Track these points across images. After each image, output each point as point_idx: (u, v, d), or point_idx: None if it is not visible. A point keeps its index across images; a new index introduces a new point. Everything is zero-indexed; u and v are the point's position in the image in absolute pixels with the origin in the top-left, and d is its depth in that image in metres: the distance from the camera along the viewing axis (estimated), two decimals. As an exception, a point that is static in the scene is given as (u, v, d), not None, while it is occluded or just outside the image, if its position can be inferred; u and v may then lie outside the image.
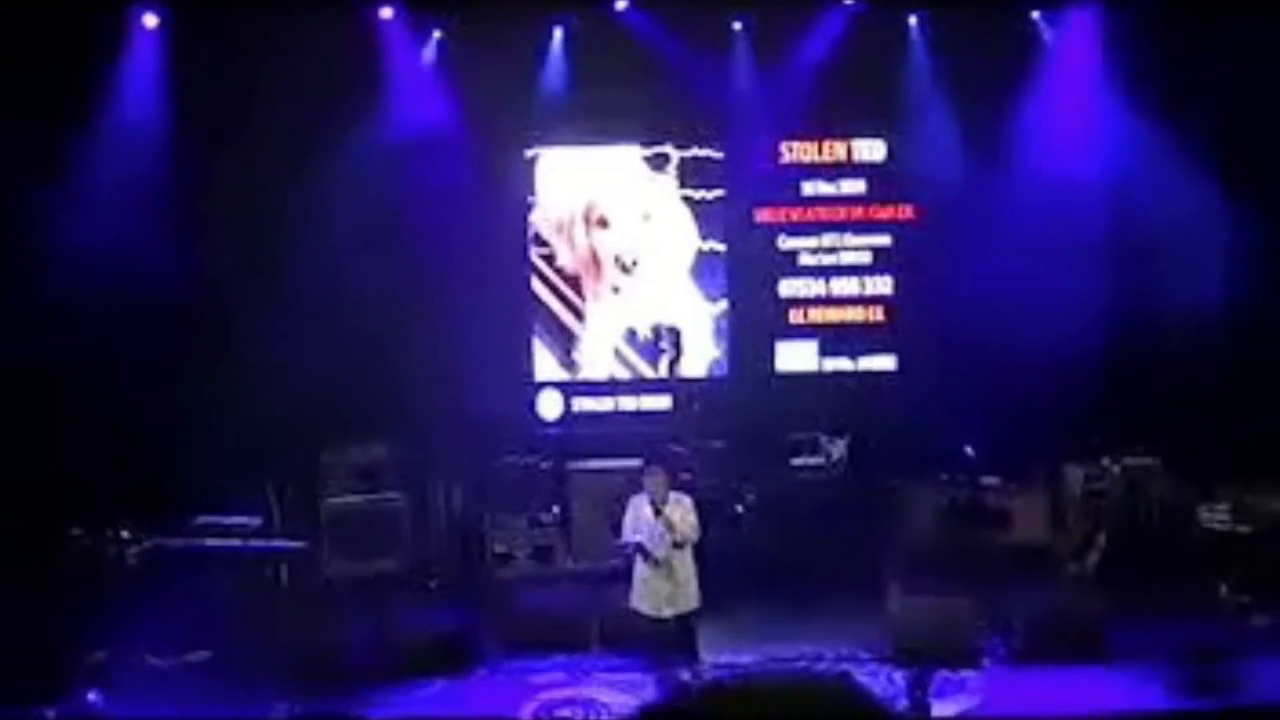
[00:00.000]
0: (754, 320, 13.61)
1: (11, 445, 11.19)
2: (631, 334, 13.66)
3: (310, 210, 12.31)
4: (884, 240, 13.48)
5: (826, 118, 13.33)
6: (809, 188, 13.51)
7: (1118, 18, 12.64)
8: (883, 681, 9.72)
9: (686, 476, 11.13)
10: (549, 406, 13.48)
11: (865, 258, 13.52)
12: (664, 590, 9.71)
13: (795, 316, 13.57)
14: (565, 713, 9.52)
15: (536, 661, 10.50)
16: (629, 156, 13.58)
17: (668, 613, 9.72)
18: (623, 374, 13.68)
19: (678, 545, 9.68)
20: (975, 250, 12.51)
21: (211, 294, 12.38)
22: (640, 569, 9.79)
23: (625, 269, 13.63)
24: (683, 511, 9.72)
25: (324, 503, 12.35)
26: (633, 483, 10.35)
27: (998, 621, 10.58)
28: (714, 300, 13.64)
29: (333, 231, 12.27)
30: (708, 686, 1.99)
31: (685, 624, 9.83)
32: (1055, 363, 12.21)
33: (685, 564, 9.75)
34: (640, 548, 9.68)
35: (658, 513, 9.64)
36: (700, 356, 13.63)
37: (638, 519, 9.76)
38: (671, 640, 9.77)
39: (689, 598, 9.78)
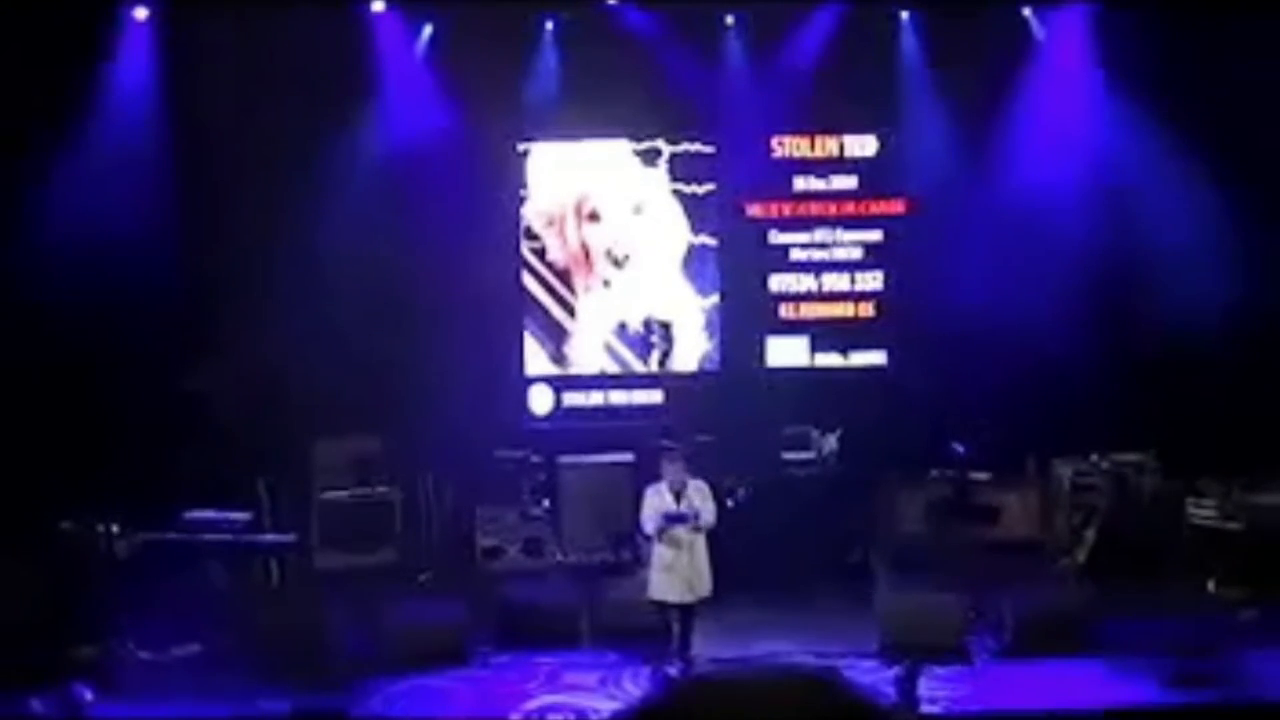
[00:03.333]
0: (745, 315, 13.62)
1: (1, 439, 11.16)
2: (622, 328, 13.64)
3: (302, 205, 12.29)
4: (875, 236, 13.47)
5: (818, 113, 13.33)
6: (800, 183, 13.50)
7: (1108, 14, 12.67)
8: (872, 676, 9.72)
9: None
10: (540, 401, 13.49)
11: (856, 253, 13.51)
12: (689, 575, 9.82)
13: (786, 311, 13.58)
14: (556, 717, 9.49)
15: (527, 655, 10.49)
16: (620, 151, 13.56)
17: (690, 598, 9.88)
18: (613, 368, 13.66)
19: (698, 529, 9.85)
20: (966, 246, 12.54)
21: (203, 288, 12.36)
22: (663, 557, 9.88)
23: (616, 263, 13.61)
24: (702, 496, 9.87)
25: (315, 496, 12.36)
26: (623, 478, 10.39)
27: (987, 616, 10.60)
28: (705, 295, 13.63)
29: (324, 226, 12.26)
30: (693, 682, 1.99)
31: (691, 611, 9.94)
32: (1045, 359, 12.23)
33: (702, 548, 9.91)
34: (675, 518, 9.74)
35: (679, 497, 9.74)
36: (691, 351, 13.63)
37: (658, 506, 9.83)
38: (685, 626, 9.88)
39: (706, 583, 9.95)
